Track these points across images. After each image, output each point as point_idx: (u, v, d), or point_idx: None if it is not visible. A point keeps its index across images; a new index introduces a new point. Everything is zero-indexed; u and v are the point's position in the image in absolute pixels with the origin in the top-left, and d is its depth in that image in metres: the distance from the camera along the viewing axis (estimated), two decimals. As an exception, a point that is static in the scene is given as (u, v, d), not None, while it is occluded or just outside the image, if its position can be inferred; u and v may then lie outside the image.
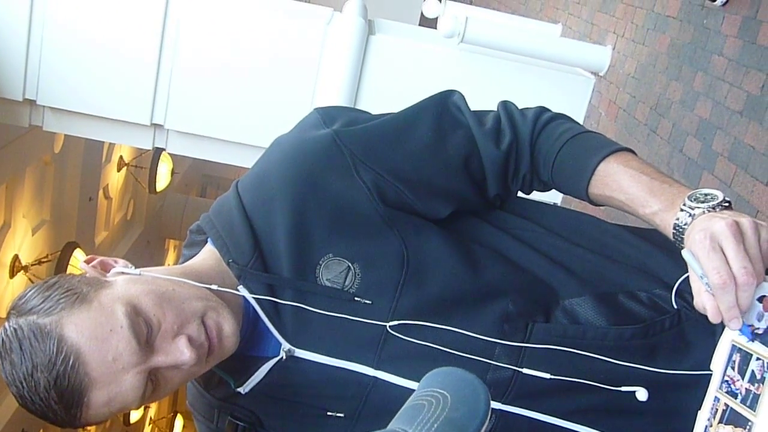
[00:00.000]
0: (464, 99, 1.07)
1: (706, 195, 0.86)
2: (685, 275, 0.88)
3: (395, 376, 0.95)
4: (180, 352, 0.87)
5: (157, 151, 6.82)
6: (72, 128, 4.21)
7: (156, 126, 4.20)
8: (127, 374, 0.84)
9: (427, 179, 0.99)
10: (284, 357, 0.95)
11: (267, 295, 0.94)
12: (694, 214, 0.85)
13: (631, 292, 0.99)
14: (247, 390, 0.98)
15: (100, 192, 7.60)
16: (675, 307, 0.97)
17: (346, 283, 0.93)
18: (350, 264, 0.94)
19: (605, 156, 0.97)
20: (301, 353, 0.95)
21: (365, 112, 1.08)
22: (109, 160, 7.78)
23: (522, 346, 0.93)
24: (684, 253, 0.83)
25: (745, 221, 0.80)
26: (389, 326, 0.92)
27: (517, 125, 1.03)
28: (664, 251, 1.01)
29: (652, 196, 0.91)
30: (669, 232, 0.88)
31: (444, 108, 1.05)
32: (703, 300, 0.81)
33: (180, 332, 0.88)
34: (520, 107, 1.08)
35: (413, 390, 0.86)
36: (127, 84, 4.06)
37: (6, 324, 0.87)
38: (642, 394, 0.92)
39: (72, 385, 0.82)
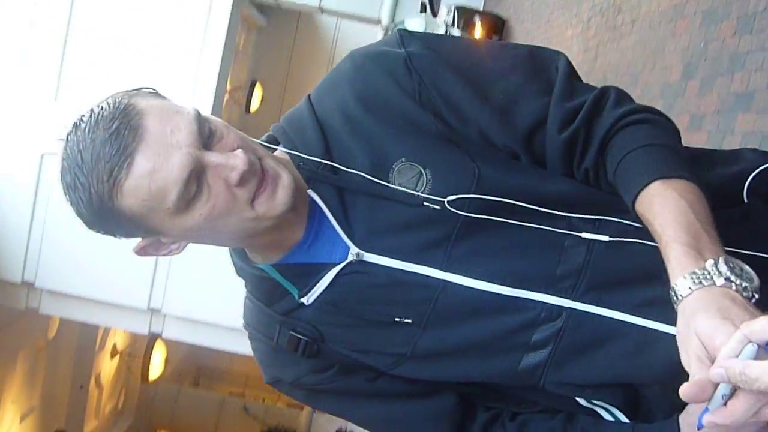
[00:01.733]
0: (570, 65, 1.00)
1: (742, 270, 0.74)
2: (762, 168, 0.83)
3: (465, 277, 0.92)
4: (234, 156, 0.85)
5: (152, 339, 6.40)
6: (69, 311, 4.25)
7: (153, 311, 4.37)
8: (179, 150, 0.83)
9: (486, 134, 0.96)
10: (354, 260, 0.93)
11: (336, 203, 0.94)
12: (717, 284, 0.72)
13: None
14: (311, 300, 0.96)
15: (92, 380, 7.65)
16: (745, 200, 0.93)
17: (417, 188, 0.92)
18: (422, 169, 0.93)
19: (667, 177, 0.85)
20: (369, 257, 0.93)
21: (455, 37, 1.10)
22: (102, 347, 7.85)
23: (595, 219, 0.92)
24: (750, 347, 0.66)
25: None
26: (447, 201, 0.90)
27: (599, 114, 0.93)
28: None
29: (683, 238, 0.78)
30: (678, 272, 0.75)
31: (541, 68, 0.99)
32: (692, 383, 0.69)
33: (239, 149, 0.87)
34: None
35: (482, 291, 0.92)
36: (126, 269, 4.19)
37: None
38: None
39: (125, 142, 0.82)
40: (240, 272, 1.03)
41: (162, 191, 0.84)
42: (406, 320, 0.95)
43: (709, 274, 0.72)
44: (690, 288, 0.73)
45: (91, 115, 0.84)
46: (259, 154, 0.89)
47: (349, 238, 0.94)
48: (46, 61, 5.16)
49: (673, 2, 3.62)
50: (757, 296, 0.71)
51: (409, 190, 0.92)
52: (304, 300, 0.96)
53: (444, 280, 0.93)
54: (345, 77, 0.99)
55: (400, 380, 1.00)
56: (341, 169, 0.94)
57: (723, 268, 0.72)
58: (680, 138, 0.94)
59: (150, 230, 0.90)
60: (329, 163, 0.94)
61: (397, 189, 0.92)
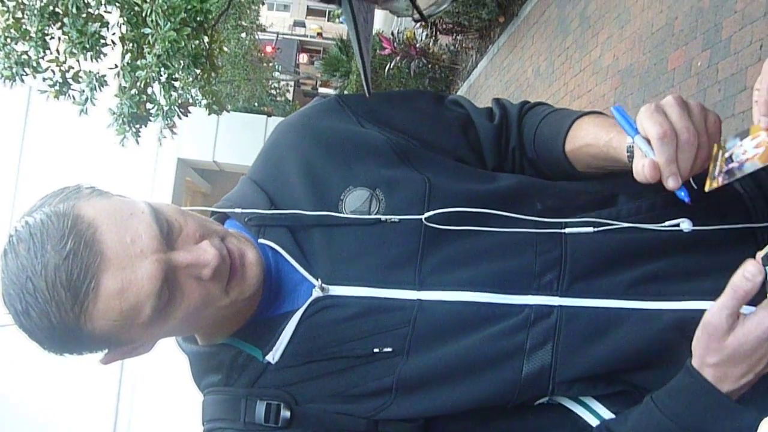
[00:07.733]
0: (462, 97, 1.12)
1: None
2: None
3: (440, 291, 0.89)
4: (203, 250, 0.81)
5: None
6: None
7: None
8: (145, 260, 0.78)
9: (429, 140, 1.01)
10: (319, 296, 0.89)
11: (290, 242, 0.92)
12: None
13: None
14: (277, 356, 0.90)
15: None
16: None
17: (371, 209, 0.91)
18: (372, 191, 0.92)
19: (579, 117, 0.98)
20: (336, 290, 0.90)
21: None
22: None
23: (562, 222, 0.92)
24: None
25: (694, 101, 0.80)
26: (425, 218, 0.89)
27: (507, 107, 1.10)
28: None
29: (612, 127, 0.90)
30: (623, 151, 0.86)
31: (442, 95, 1.11)
32: (641, 162, 0.79)
33: (202, 239, 0.84)
34: None
35: (462, 303, 0.88)
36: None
37: (15, 226, 0.80)
38: (686, 224, 0.89)
39: (84, 263, 0.75)
40: (191, 354, 0.98)
41: (134, 308, 0.79)
42: (386, 349, 0.89)
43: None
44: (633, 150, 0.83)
45: (30, 233, 0.77)
46: (220, 235, 0.87)
47: (311, 274, 0.91)
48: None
49: None
50: None
51: (362, 216, 0.91)
52: (269, 358, 0.91)
53: (419, 300, 0.89)
54: (281, 136, 1.00)
55: None
56: (286, 212, 0.92)
57: None
58: None
59: (121, 343, 0.85)
60: (276, 212, 0.93)
61: (349, 217, 0.91)
